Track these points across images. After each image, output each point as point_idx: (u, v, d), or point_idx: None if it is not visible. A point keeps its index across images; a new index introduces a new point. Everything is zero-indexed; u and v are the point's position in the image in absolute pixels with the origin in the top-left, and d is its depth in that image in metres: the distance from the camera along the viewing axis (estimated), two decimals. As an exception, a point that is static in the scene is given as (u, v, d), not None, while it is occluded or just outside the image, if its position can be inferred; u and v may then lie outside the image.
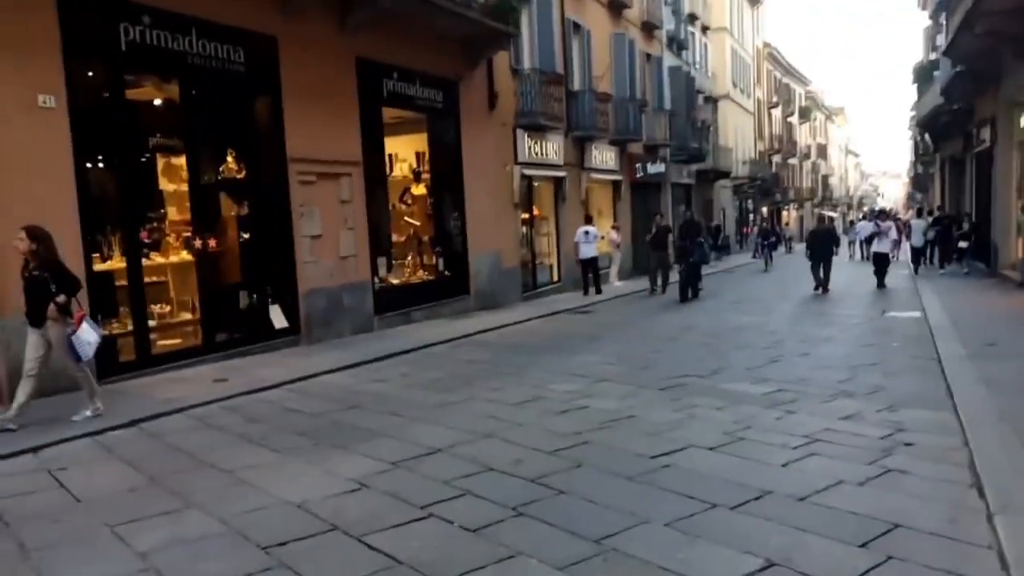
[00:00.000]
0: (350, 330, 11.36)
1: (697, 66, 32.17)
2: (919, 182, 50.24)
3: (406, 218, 13.96)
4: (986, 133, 19.12)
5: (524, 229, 17.33)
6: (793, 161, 56.85)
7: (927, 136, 32.41)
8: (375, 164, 12.70)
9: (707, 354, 9.28)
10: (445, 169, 14.26)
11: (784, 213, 53.97)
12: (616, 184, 22.71)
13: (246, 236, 10.15)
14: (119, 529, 4.08)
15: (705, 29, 34.00)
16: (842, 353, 9.04)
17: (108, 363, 8.04)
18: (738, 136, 39.51)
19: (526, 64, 16.85)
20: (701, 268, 17.05)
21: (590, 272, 17.33)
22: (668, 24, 27.18)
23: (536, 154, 17.01)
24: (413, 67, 12.75)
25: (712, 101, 34.96)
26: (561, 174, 18.45)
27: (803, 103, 60.43)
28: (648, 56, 25.24)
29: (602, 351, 9.76)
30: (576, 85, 19.61)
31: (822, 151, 69.21)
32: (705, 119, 30.45)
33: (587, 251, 17.25)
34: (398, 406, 6.93)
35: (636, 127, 22.60)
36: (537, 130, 16.83)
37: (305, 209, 10.63)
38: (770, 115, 49.75)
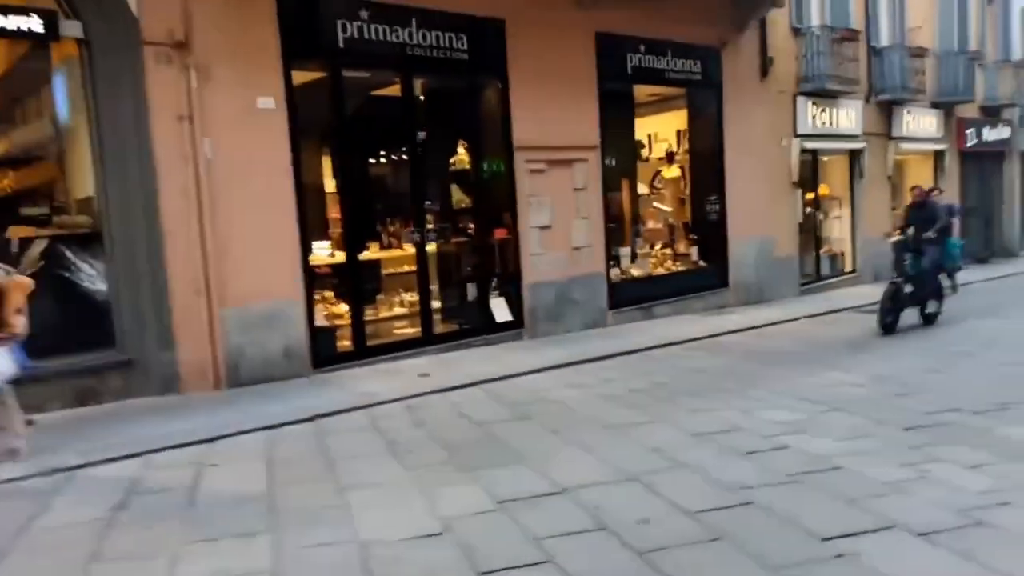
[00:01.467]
0: (580, 325, 10.74)
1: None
2: None
3: (655, 204, 12.93)
4: None
5: (807, 211, 15.23)
6: None
7: None
8: (619, 147, 11.89)
9: (1008, 380, 7.11)
10: (704, 148, 12.92)
11: None
12: (939, 155, 19.12)
13: (471, 227, 9.99)
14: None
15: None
16: None
17: (329, 352, 8.39)
18: None
19: (814, 21, 14.66)
20: None
21: None
22: (1022, -44, 22.18)
23: (823, 124, 14.78)
24: (664, 37, 11.62)
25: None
26: (858, 146, 15.89)
27: None
28: (990, -2, 20.83)
29: (860, 367, 7.97)
30: (884, 40, 16.75)
31: None
32: (1074, 69, 24.44)
33: None
34: (568, 421, 6.17)
35: (967, 85, 18.75)
36: (825, 96, 14.61)
37: (534, 199, 10.19)
38: None
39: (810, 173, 15.22)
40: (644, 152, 13.72)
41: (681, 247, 12.99)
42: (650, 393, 7.10)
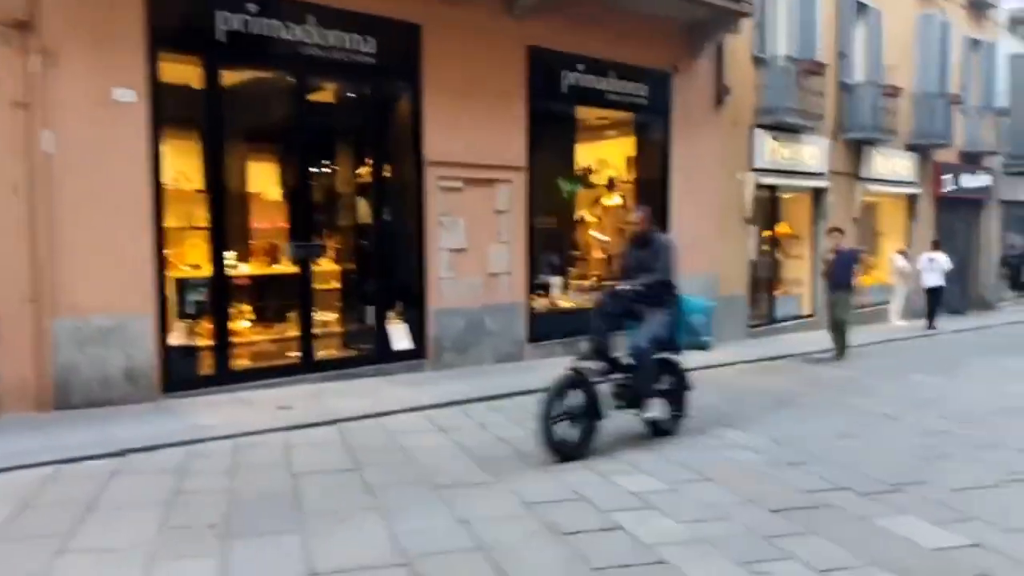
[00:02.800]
0: (492, 357, 9.93)
1: (1058, 54, 25.40)
2: None
3: (592, 232, 12.17)
4: None
5: (763, 249, 14.48)
6: None
7: None
8: (556, 170, 11.17)
9: (916, 453, 6.29)
10: (649, 177, 12.20)
11: None
12: (912, 199, 18.43)
13: (366, 244, 9.21)
14: None
15: (1075, 7, 26.77)
16: None
17: (185, 375, 7.57)
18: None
19: (779, 51, 14.00)
20: None
21: (935, 303, 16.31)
22: (1011, 1, 21.61)
23: (783, 159, 14.07)
24: (606, 57, 10.91)
25: (1080, 98, 27.46)
26: (822, 184, 15.17)
27: None
28: (976, 42, 20.22)
29: (768, 426, 7.17)
30: (858, 76, 16.10)
31: None
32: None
33: (931, 279, 16.26)
34: (400, 477, 5.36)
35: (945, 129, 18.10)
36: (786, 130, 13.91)
37: (445, 219, 9.42)
38: None
39: (768, 210, 14.49)
40: (590, 178, 13.00)
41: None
42: (518, 444, 6.27)
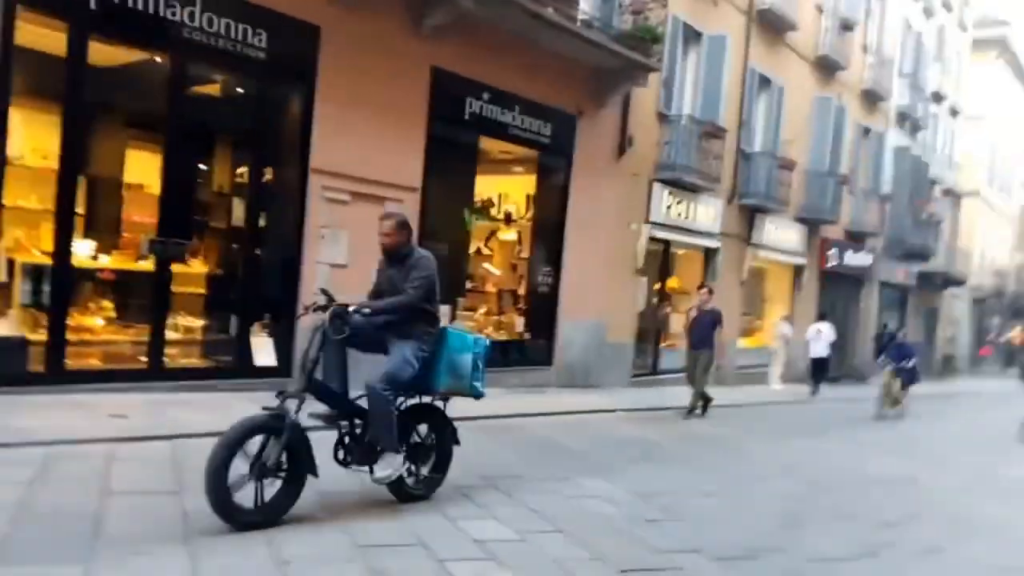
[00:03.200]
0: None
1: (938, 152, 27.32)
2: None
3: (484, 265, 11.91)
4: None
5: (652, 301, 14.59)
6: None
7: None
8: (452, 196, 10.88)
9: (791, 514, 6.22)
10: (547, 217, 12.09)
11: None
12: (798, 269, 19.12)
13: (237, 248, 8.62)
14: None
15: (955, 113, 28.93)
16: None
17: (10, 370, 6.74)
18: (985, 241, 33.29)
19: (684, 109, 14.29)
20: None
21: (820, 372, 16.88)
22: (900, 99, 23.09)
23: (679, 216, 14.28)
24: (514, 91, 10.79)
25: (953, 196, 29.57)
26: (713, 244, 15.49)
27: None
28: (867, 130, 21.44)
29: (634, 477, 6.95)
30: (757, 146, 16.66)
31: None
32: (936, 214, 25.53)
33: (818, 350, 16.82)
34: (193, 513, 4.78)
35: (833, 206, 18.97)
36: (684, 188, 14.15)
37: (327, 232, 8.94)
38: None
39: (660, 263, 14.65)
40: (491, 211, 12.79)
41: (507, 316, 11.97)
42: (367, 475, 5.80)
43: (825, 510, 6.68)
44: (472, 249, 11.90)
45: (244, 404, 7.67)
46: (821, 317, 17.62)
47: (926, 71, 24.57)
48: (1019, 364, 27.69)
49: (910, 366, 14.73)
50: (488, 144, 11.51)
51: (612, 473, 7.01)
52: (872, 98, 21.39)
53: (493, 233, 12.07)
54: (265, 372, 8.58)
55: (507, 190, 12.83)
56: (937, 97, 26.39)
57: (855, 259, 21.43)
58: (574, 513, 5.57)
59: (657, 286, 14.71)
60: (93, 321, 7.66)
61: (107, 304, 7.91)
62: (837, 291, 21.18)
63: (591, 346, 12.58)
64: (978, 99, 30.68)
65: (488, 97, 10.51)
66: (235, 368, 8.40)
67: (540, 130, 11.39)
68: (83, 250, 7.45)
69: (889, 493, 7.69)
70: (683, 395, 13.26)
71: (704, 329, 11.36)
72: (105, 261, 7.86)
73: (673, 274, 15.55)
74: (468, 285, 11.76)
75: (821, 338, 16.87)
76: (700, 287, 12.07)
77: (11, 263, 7.01)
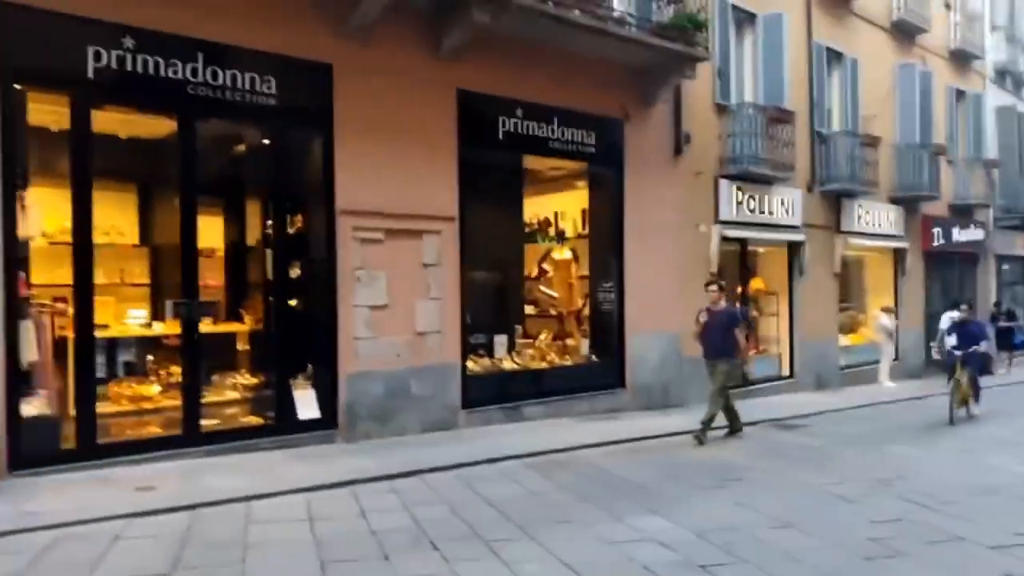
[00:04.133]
0: (420, 426, 9.00)
1: (1050, 107, 24.81)
2: None
3: (542, 288, 11.33)
4: None
5: (736, 306, 13.56)
6: None
7: None
8: (498, 221, 10.47)
9: (860, 547, 5.30)
10: (602, 229, 11.43)
11: None
12: (899, 253, 17.56)
13: (272, 300, 8.37)
14: None
15: (1066, 60, 26.27)
16: None
17: (41, 449, 6.67)
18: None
19: (747, 96, 13.35)
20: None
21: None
22: (997, 53, 21.11)
23: (753, 211, 13.29)
24: (549, 103, 10.23)
25: (1075, 151, 26.75)
26: (798, 238, 14.33)
27: None
28: (961, 93, 19.63)
29: (697, 511, 6.17)
30: (835, 126, 15.45)
31: None
32: (1055, 173, 23.06)
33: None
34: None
35: (932, 181, 17.32)
36: (755, 181, 13.17)
37: (363, 273, 8.61)
38: None
39: (738, 265, 13.65)
40: (548, 230, 12.27)
41: (571, 339, 11.34)
42: (385, 538, 5.32)
43: (923, 533, 5.69)
44: (530, 272, 11.42)
45: (288, 462, 7.45)
46: (954, 305, 15.65)
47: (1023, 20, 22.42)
48: None
49: (982, 350, 11.77)
50: (533, 162, 11.04)
51: (675, 507, 6.26)
52: (963, 58, 19.60)
53: (547, 254, 11.50)
54: (310, 426, 8.29)
55: (563, 207, 12.30)
56: (1041, 47, 24.01)
57: (964, 235, 19.56)
58: (616, 563, 4.89)
59: (740, 290, 13.69)
60: (127, 390, 7.55)
61: (139, 372, 7.81)
62: (948, 272, 19.38)
63: (667, 362, 11.75)
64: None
65: (522, 113, 9.99)
66: (278, 425, 8.12)
67: (584, 140, 10.77)
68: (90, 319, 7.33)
69: (1004, 503, 6.58)
70: (777, 406, 12.29)
71: (718, 333, 9.44)
72: (132, 328, 7.77)
73: (756, 275, 14.48)
74: (527, 310, 11.27)
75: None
76: (708, 284, 9.92)
77: (39, 339, 6.94)
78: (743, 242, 13.46)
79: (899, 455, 8.74)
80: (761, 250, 14.41)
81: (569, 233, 11.96)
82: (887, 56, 16.97)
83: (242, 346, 8.52)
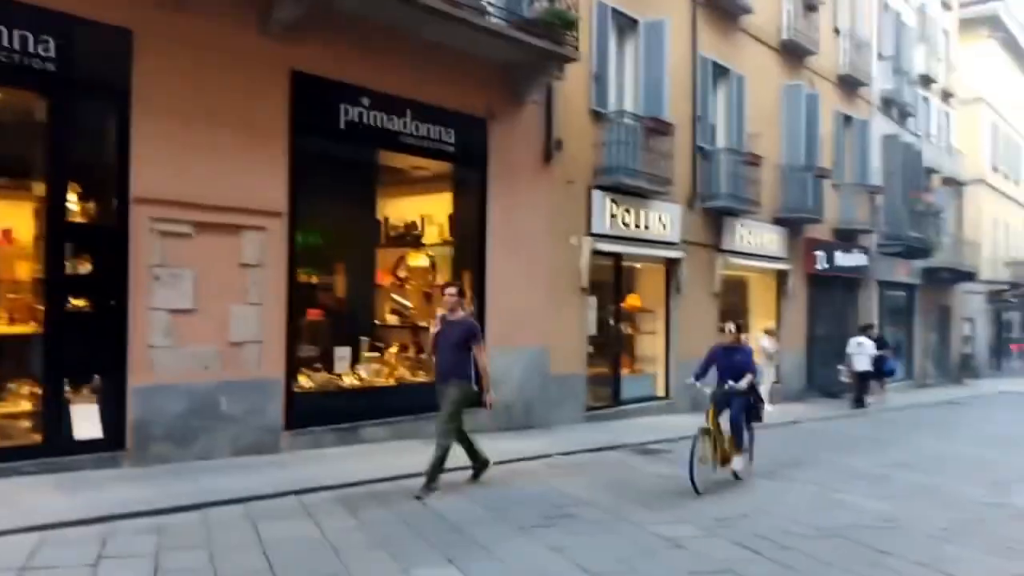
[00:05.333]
0: (231, 449, 7.89)
1: (932, 139, 25.61)
2: None
3: (394, 296, 10.40)
4: None
5: (610, 323, 12.98)
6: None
7: None
8: (334, 219, 9.50)
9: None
10: (464, 235, 10.61)
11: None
12: (782, 275, 17.43)
13: (44, 302, 7.14)
14: None
15: (947, 97, 27.25)
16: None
17: None
18: (996, 231, 31.34)
19: (627, 105, 12.81)
20: None
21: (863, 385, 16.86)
22: (883, 83, 21.50)
23: (627, 225, 12.72)
24: (401, 94, 9.36)
25: (955, 184, 27.75)
26: (676, 255, 13.88)
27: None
28: (848, 118, 19.83)
29: (488, 563, 5.35)
30: (720, 142, 15.14)
31: None
32: (934, 205, 23.73)
33: (860, 363, 16.78)
34: None
35: (815, 204, 17.28)
36: (630, 194, 12.61)
37: (163, 271, 7.48)
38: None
39: (613, 280, 13.05)
40: (409, 234, 11.34)
41: (424, 353, 10.41)
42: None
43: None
44: (381, 280, 10.49)
45: (42, 491, 6.25)
46: (862, 330, 17.58)
47: (910, 52, 22.99)
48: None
49: (742, 387, 8.07)
50: (390, 159, 10.12)
51: (479, 554, 5.43)
52: (851, 84, 19.82)
53: (402, 260, 10.58)
54: (90, 447, 7.09)
55: (430, 211, 11.38)
56: (925, 80, 24.76)
57: (847, 259, 19.71)
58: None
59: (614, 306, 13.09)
60: None
61: None
62: (831, 295, 19.46)
63: (530, 380, 10.98)
64: (973, 81, 29.00)
65: (368, 103, 9.06)
66: (46, 445, 6.88)
67: (443, 137, 9.92)
68: None
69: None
70: (646, 428, 11.70)
71: (450, 351, 7.27)
72: None
73: (632, 291, 13.95)
74: (376, 321, 10.32)
75: (863, 351, 16.78)
76: (444, 287, 7.75)
77: None
78: (618, 256, 12.87)
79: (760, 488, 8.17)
80: (638, 266, 13.90)
81: (436, 239, 11.04)
82: (775, 75, 16.86)
83: (12, 353, 7.23)
